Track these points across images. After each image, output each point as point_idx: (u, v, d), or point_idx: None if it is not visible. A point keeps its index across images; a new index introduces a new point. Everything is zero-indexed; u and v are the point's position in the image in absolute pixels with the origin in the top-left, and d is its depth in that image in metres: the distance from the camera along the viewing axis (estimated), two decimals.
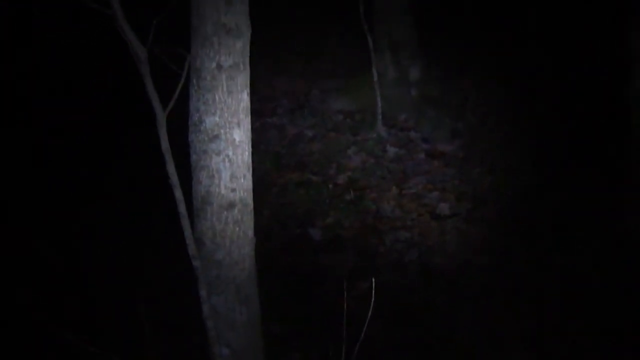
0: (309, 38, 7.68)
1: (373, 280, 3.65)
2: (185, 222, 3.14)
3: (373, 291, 3.47)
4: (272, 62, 7.50)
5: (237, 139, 3.23)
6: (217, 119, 3.17)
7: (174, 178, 3.08)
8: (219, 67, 3.10)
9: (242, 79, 3.20)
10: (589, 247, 5.22)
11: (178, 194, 3.11)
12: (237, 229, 3.32)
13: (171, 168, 3.07)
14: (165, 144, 3.04)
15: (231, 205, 3.26)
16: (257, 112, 7.10)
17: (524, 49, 7.46)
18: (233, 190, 3.26)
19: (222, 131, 3.18)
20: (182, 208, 3.12)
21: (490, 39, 7.78)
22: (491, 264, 5.24)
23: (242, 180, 3.30)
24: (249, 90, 3.24)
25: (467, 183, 6.12)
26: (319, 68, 7.38)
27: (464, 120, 6.93)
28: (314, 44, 7.62)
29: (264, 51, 7.48)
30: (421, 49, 7.19)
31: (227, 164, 3.22)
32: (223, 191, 3.24)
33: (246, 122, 3.25)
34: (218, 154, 3.20)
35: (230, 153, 3.22)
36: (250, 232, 3.39)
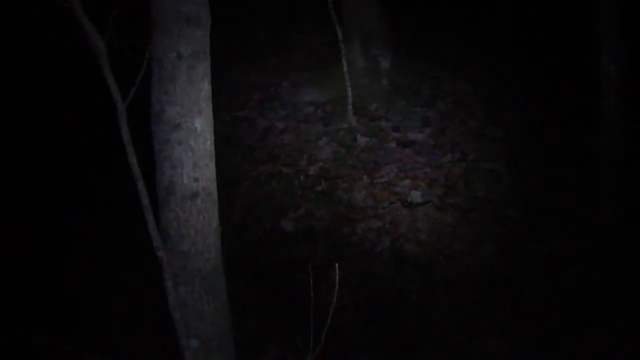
0: (278, 30, 7.65)
1: (337, 266, 3.61)
2: (148, 214, 3.12)
3: (337, 277, 3.43)
4: (241, 55, 7.47)
5: (199, 127, 3.21)
6: (178, 108, 3.15)
7: (136, 170, 3.07)
8: (180, 56, 3.08)
9: (203, 68, 3.18)
10: (563, 232, 5.24)
11: (140, 185, 3.09)
12: (202, 218, 3.30)
13: (133, 160, 3.05)
14: (126, 136, 3.02)
15: (194, 195, 3.24)
16: (228, 106, 7.09)
17: (495, 38, 7.50)
18: (196, 179, 3.24)
19: (183, 120, 3.16)
20: (144, 199, 3.10)
21: (460, 28, 7.83)
22: (463, 251, 5.25)
23: (205, 169, 3.28)
24: (209, 79, 3.23)
25: (439, 171, 6.11)
26: (290, 60, 7.36)
27: (434, 109, 6.93)
28: (284, 37, 7.59)
29: (233, 44, 7.47)
30: (391, 39, 7.18)
31: (190, 154, 3.20)
32: (186, 181, 3.22)
33: (207, 111, 3.23)
34: (180, 143, 3.18)
35: (192, 142, 3.20)
36: (215, 222, 3.38)
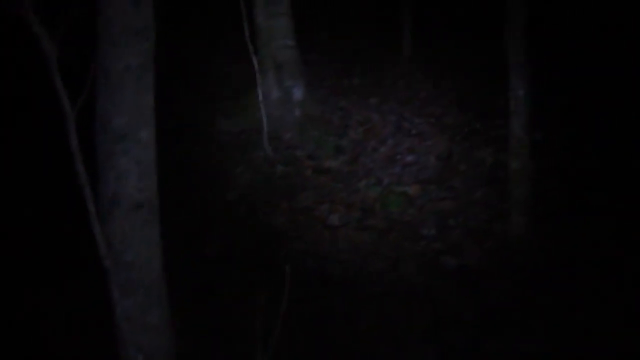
0: (194, 59, 7.71)
1: (287, 267, 3.67)
2: (95, 222, 3.11)
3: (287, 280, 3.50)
4: (158, 84, 7.47)
5: (145, 139, 3.26)
6: (125, 119, 3.19)
7: (83, 177, 3.07)
8: (127, 67, 3.13)
9: (149, 80, 3.25)
10: (476, 247, 5.49)
11: (87, 192, 3.09)
12: (146, 229, 3.33)
13: (80, 167, 3.06)
14: (74, 142, 3.02)
15: (139, 206, 3.27)
16: None
17: (400, 67, 7.82)
18: (141, 190, 3.27)
19: (129, 131, 3.20)
20: (91, 207, 3.10)
21: (366, 60, 8.12)
22: (384, 268, 5.41)
23: (150, 180, 3.32)
24: (153, 91, 3.28)
25: (355, 195, 6.28)
26: (205, 89, 7.41)
27: (346, 137, 7.13)
28: (199, 65, 7.65)
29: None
30: (303, 70, 7.36)
31: (135, 164, 3.24)
32: (131, 192, 3.25)
33: (152, 122, 3.29)
34: (125, 153, 3.21)
35: (138, 153, 3.24)
36: (158, 233, 3.40)
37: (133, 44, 3.11)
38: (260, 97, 6.84)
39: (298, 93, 7.27)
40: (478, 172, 6.39)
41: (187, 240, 5.76)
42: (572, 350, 4.45)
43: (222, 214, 6.10)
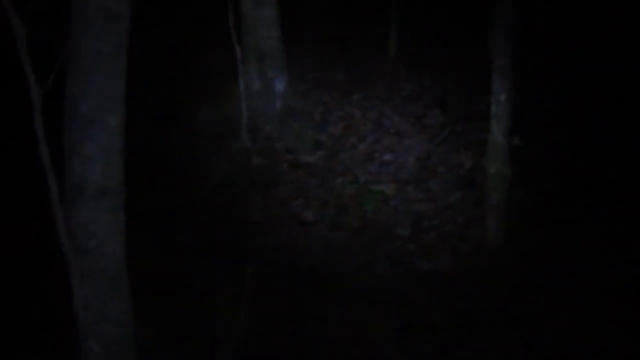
0: (174, 46, 7.58)
1: (248, 265, 3.60)
2: (57, 208, 3.02)
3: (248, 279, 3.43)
4: (138, 69, 7.34)
5: (113, 125, 3.16)
6: (93, 104, 3.09)
7: (47, 162, 2.98)
8: (99, 51, 3.04)
9: (121, 65, 3.15)
10: (451, 251, 5.45)
11: (50, 178, 3.00)
12: (110, 217, 3.23)
13: (44, 151, 2.97)
14: (39, 126, 2.93)
15: (104, 193, 3.18)
16: None
17: (385, 65, 7.75)
18: (107, 177, 3.18)
19: (98, 117, 3.10)
20: (54, 193, 3.01)
21: (351, 56, 8.03)
22: (357, 267, 5.35)
23: (116, 167, 3.22)
24: (125, 77, 3.19)
25: (330, 192, 6.21)
26: (185, 77, 7.29)
27: (326, 132, 7.05)
28: (180, 52, 7.53)
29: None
30: (286, 62, 7.26)
31: (102, 151, 3.15)
32: (96, 179, 3.16)
33: (122, 108, 3.19)
34: (92, 140, 3.12)
35: (106, 139, 3.15)
36: (122, 222, 3.31)
37: (106, 28, 3.02)
38: (242, 88, 6.73)
39: (280, 85, 7.17)
40: (456, 175, 6.34)
41: (160, 230, 5.67)
42: (545, 358, 4.42)
43: (197, 204, 6.00)
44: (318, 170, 6.56)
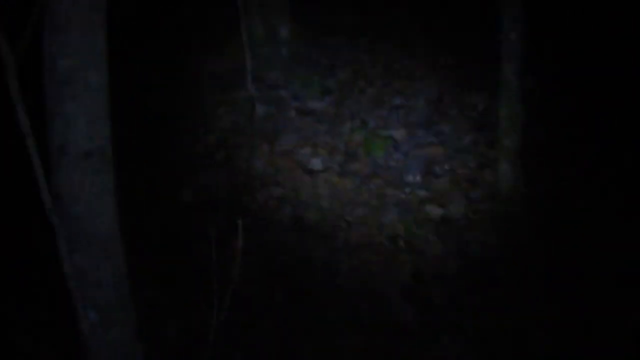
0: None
1: (240, 223, 3.45)
2: (39, 174, 2.87)
3: (240, 233, 3.29)
4: (136, 22, 7.12)
5: (94, 82, 2.98)
6: (71, 61, 2.91)
7: (25, 125, 2.81)
8: (74, 4, 2.84)
9: (99, 19, 2.95)
10: (463, 197, 5.28)
11: (30, 142, 2.84)
12: (97, 179, 3.07)
13: (22, 115, 2.80)
14: (14, 89, 2.76)
15: (89, 154, 3.01)
16: (123, 75, 6.73)
17: (391, 7, 7.46)
18: (91, 138, 3.01)
19: (77, 74, 2.93)
20: (35, 158, 2.85)
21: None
22: (365, 217, 5.19)
23: (101, 127, 3.05)
24: (105, 31, 3.00)
25: (339, 138, 6.03)
26: (186, 29, 7.06)
27: (333, 78, 6.83)
28: (180, 3, 7.28)
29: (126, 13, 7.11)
30: (289, 8, 7.02)
31: (84, 110, 2.97)
32: (80, 140, 2.99)
33: (103, 64, 3.01)
34: (73, 99, 2.95)
35: (87, 98, 2.97)
36: (111, 183, 3.15)
37: None
38: (245, 36, 6.48)
39: (284, 31, 6.95)
40: (468, 118, 6.13)
41: (163, 185, 5.53)
42: (559, 310, 4.27)
43: (201, 157, 5.85)
44: (326, 116, 6.37)
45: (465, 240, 4.95)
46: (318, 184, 5.50)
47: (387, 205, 5.29)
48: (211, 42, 7.09)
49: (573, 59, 6.08)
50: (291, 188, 5.48)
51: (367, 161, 5.77)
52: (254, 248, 4.91)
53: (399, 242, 4.94)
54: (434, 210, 5.22)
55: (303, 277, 4.71)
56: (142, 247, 4.70)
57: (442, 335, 4.26)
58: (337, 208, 5.28)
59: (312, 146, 5.93)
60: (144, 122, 6.16)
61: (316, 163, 5.74)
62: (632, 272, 4.37)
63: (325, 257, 4.87)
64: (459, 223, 5.10)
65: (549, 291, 4.35)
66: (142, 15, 6.91)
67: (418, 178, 5.53)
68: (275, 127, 6.20)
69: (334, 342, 4.22)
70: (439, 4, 7.28)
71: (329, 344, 4.20)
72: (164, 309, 4.36)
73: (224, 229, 5.10)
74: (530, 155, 5.23)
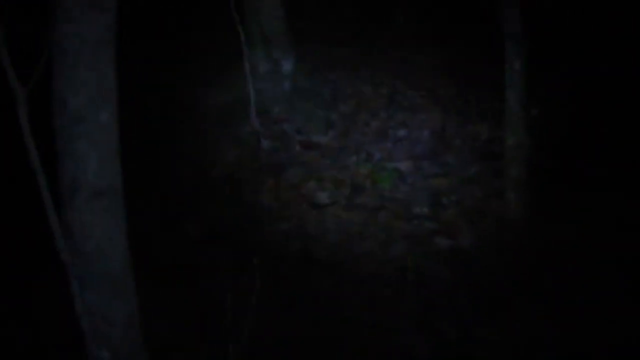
0: (176, 30, 7.36)
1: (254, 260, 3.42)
2: (51, 211, 2.85)
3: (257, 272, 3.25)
4: (136, 53, 7.13)
5: (104, 120, 2.96)
6: (82, 99, 2.89)
7: (37, 163, 2.80)
8: (84, 42, 2.83)
9: (108, 56, 2.94)
10: (470, 228, 5.24)
11: (41, 180, 2.82)
12: (108, 217, 3.05)
13: (33, 152, 2.78)
14: (25, 125, 2.75)
15: (100, 193, 2.98)
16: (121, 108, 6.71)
17: (391, 37, 7.49)
18: (101, 176, 2.98)
19: (87, 112, 2.91)
20: (46, 196, 2.83)
21: (356, 30, 7.79)
22: (373, 250, 5.16)
23: (111, 165, 3.03)
24: (114, 68, 2.99)
25: (345, 172, 6.00)
26: (187, 62, 7.07)
27: (337, 111, 6.83)
28: (182, 37, 7.30)
29: (127, 43, 7.12)
30: (292, 42, 7.04)
31: (95, 148, 2.95)
32: (91, 178, 2.96)
33: (113, 101, 2.99)
34: (84, 137, 2.93)
35: (97, 136, 2.95)
36: (122, 221, 3.12)
37: (89, 17, 2.80)
38: (248, 70, 6.50)
39: (287, 66, 6.96)
40: (473, 148, 6.12)
41: (170, 220, 5.50)
42: (570, 335, 4.21)
43: (206, 192, 5.82)
44: (331, 150, 6.36)
45: (475, 270, 4.91)
46: (325, 218, 5.47)
47: (395, 238, 5.26)
48: (213, 75, 7.09)
49: (578, 85, 6.08)
50: (298, 222, 5.45)
51: (374, 194, 5.75)
52: (261, 282, 4.88)
53: (408, 275, 4.89)
54: (443, 242, 5.18)
55: (312, 312, 4.66)
56: (149, 283, 4.66)
57: None
58: (345, 242, 5.25)
59: (318, 180, 5.91)
60: (144, 155, 6.14)
61: (322, 197, 5.71)
62: None
63: (334, 290, 4.82)
64: (468, 253, 5.06)
65: (561, 318, 4.30)
66: (140, 47, 6.92)
67: (425, 209, 5.51)
68: (281, 162, 6.18)
69: None
70: (440, 34, 7.32)
71: None
72: (177, 346, 4.30)
73: (233, 264, 5.11)
74: (536, 183, 5.20)
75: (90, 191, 2.96)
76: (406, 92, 6.94)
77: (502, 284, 4.69)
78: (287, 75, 7.01)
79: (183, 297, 4.62)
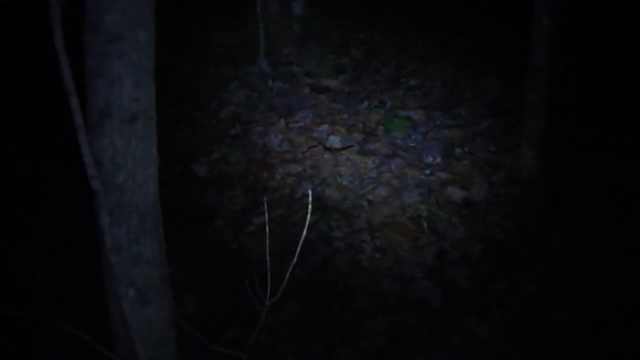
0: None
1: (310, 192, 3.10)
2: (82, 136, 2.50)
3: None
4: None
5: (143, 40, 2.60)
6: (119, 16, 2.53)
7: (69, 83, 2.43)
8: None
9: None
10: (484, 180, 4.98)
11: (74, 102, 2.46)
12: (141, 146, 2.69)
13: (66, 71, 2.42)
14: (59, 42, 2.38)
15: (134, 118, 2.63)
16: None
17: None
18: (137, 100, 2.63)
19: (125, 31, 2.55)
20: (78, 119, 2.47)
21: None
22: (386, 197, 4.87)
23: (147, 89, 2.67)
24: None
25: (356, 117, 5.69)
26: (199, 2, 6.67)
27: (347, 56, 6.49)
28: None
29: None
30: None
31: (131, 70, 2.59)
32: (125, 101, 2.61)
33: (152, 21, 2.63)
34: (120, 57, 2.56)
35: (135, 57, 2.59)
36: (154, 150, 2.78)
37: None
38: (258, 11, 6.13)
39: (298, 7, 6.58)
40: (484, 102, 5.83)
41: (177, 160, 5.17)
42: (579, 293, 3.99)
43: (215, 132, 5.48)
44: (341, 94, 6.03)
45: (488, 223, 4.65)
46: (339, 162, 5.16)
47: (408, 186, 4.97)
48: (222, 16, 6.70)
49: (606, 45, 5.75)
50: (310, 165, 5.14)
51: (386, 141, 5.45)
52: (272, 225, 4.58)
53: (422, 224, 4.63)
54: (456, 193, 4.90)
55: (325, 257, 4.38)
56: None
57: (468, 318, 3.96)
58: (358, 187, 4.95)
59: (330, 124, 5.60)
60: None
61: (334, 141, 5.40)
62: None
63: (347, 237, 4.54)
64: (481, 206, 4.79)
65: (571, 274, 4.07)
66: None
67: (438, 160, 5.22)
68: (290, 104, 5.85)
69: (360, 325, 3.91)
70: None
71: (355, 327, 3.88)
72: (188, 289, 4.01)
73: (241, 206, 4.80)
74: (553, 140, 4.93)
75: (124, 115, 2.61)
76: (418, 42, 6.61)
77: (513, 239, 4.45)
78: (297, 18, 6.64)
79: (197, 236, 4.31)
